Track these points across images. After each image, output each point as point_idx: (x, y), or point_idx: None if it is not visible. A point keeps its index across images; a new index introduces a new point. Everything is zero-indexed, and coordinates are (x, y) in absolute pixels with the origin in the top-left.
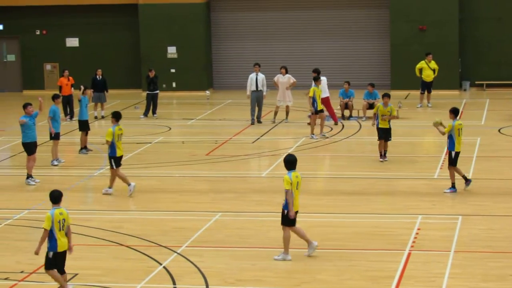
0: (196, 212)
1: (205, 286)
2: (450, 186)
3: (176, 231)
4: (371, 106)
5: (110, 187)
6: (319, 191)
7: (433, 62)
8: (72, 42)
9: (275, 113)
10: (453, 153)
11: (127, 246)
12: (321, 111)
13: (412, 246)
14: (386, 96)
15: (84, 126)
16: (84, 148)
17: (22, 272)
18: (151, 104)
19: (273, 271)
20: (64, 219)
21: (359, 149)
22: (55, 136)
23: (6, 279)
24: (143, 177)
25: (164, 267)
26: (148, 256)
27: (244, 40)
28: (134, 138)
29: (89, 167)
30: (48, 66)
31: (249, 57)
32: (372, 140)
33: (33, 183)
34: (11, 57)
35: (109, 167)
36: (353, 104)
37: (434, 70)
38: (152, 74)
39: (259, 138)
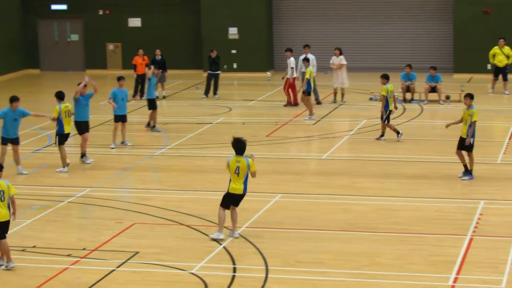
0: (256, 193)
1: (265, 267)
2: (468, 173)
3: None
4: (433, 89)
5: (63, 167)
6: (381, 174)
7: (507, 47)
8: (135, 22)
9: (334, 95)
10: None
11: (188, 226)
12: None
13: (474, 232)
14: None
15: (152, 104)
16: (150, 125)
17: (84, 249)
18: (211, 84)
19: (334, 253)
20: (3, 191)
21: (420, 133)
22: (115, 118)
23: (68, 255)
24: (203, 157)
25: (224, 247)
26: (208, 236)
27: (305, 21)
28: (195, 118)
29: (151, 147)
30: (110, 46)
31: (309, 38)
32: (434, 123)
33: (89, 161)
34: (74, 37)
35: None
36: (415, 87)
37: (508, 56)
38: (213, 54)
39: (319, 120)
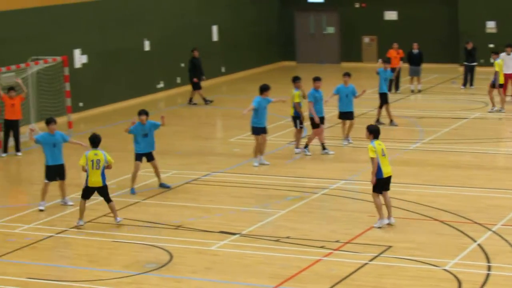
0: (511, 190)
1: None
2: None
3: (491, 208)
4: None
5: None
6: None
7: None
8: (391, 15)
9: None
10: None
11: (441, 221)
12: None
13: None
14: None
15: (383, 99)
16: (391, 121)
17: (337, 241)
18: (467, 75)
19: None
20: (99, 160)
21: None
22: (338, 115)
23: (321, 247)
24: (459, 153)
25: (478, 244)
26: (462, 232)
27: None
28: (450, 113)
29: (406, 141)
30: (366, 39)
31: None
32: None
33: (309, 153)
34: (330, 30)
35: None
36: None
37: None
38: (469, 46)
39: None
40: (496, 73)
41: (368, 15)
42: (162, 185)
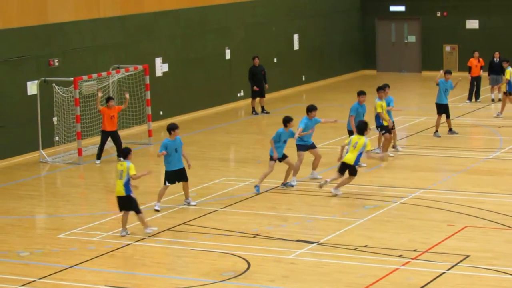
0: None
1: None
2: None
3: None
4: None
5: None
6: None
7: None
8: (472, 24)
9: None
10: None
11: None
12: None
13: None
14: None
15: (440, 109)
16: (450, 130)
17: (415, 250)
18: None
19: None
20: (122, 171)
21: None
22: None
23: (399, 256)
24: None
25: None
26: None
27: None
28: None
29: (485, 150)
30: (447, 48)
31: None
32: None
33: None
34: (411, 38)
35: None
36: None
37: None
38: None
39: None
40: (508, 81)
41: (449, 23)
42: (286, 184)
